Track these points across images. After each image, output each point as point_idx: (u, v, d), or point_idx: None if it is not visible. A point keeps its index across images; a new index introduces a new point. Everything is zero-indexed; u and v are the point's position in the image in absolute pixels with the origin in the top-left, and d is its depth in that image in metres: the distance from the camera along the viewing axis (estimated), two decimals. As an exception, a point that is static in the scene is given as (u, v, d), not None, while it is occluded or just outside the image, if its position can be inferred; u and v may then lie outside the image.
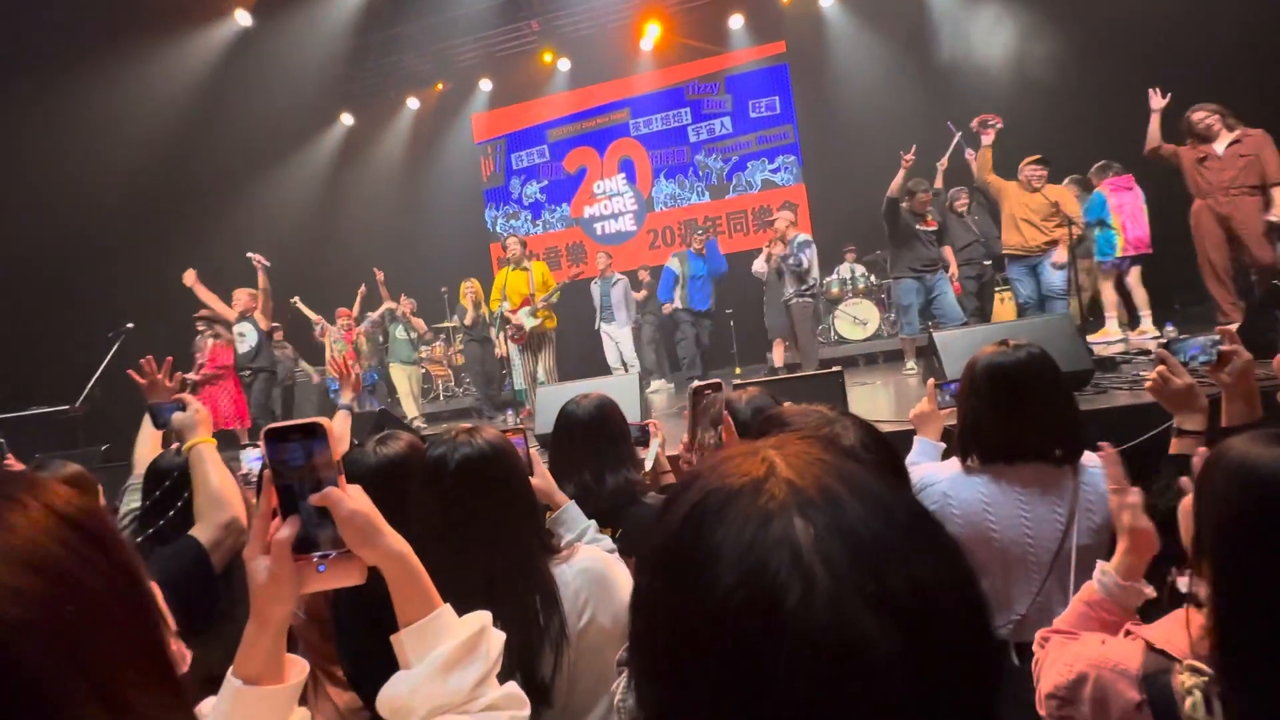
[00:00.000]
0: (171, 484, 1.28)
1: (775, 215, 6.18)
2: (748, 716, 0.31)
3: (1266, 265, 4.04)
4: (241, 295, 5.58)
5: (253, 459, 3.80)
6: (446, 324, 8.14)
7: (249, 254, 5.34)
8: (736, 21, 8.43)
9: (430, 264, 8.64)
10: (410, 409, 6.51)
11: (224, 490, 1.24)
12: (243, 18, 7.28)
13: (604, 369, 6.56)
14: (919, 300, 5.04)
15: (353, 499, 0.63)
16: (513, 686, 0.69)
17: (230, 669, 0.63)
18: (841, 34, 8.16)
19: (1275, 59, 5.53)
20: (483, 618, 0.69)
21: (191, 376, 5.32)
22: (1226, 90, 4.60)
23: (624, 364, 6.48)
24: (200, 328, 5.51)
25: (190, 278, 5.44)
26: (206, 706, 0.64)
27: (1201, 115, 4.21)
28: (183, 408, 1.32)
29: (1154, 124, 4.41)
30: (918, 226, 4.98)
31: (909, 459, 1.57)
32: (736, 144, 8.86)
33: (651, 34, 8.44)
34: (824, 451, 0.37)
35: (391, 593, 0.65)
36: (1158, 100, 4.42)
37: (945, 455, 1.55)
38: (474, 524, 1.00)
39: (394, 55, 8.65)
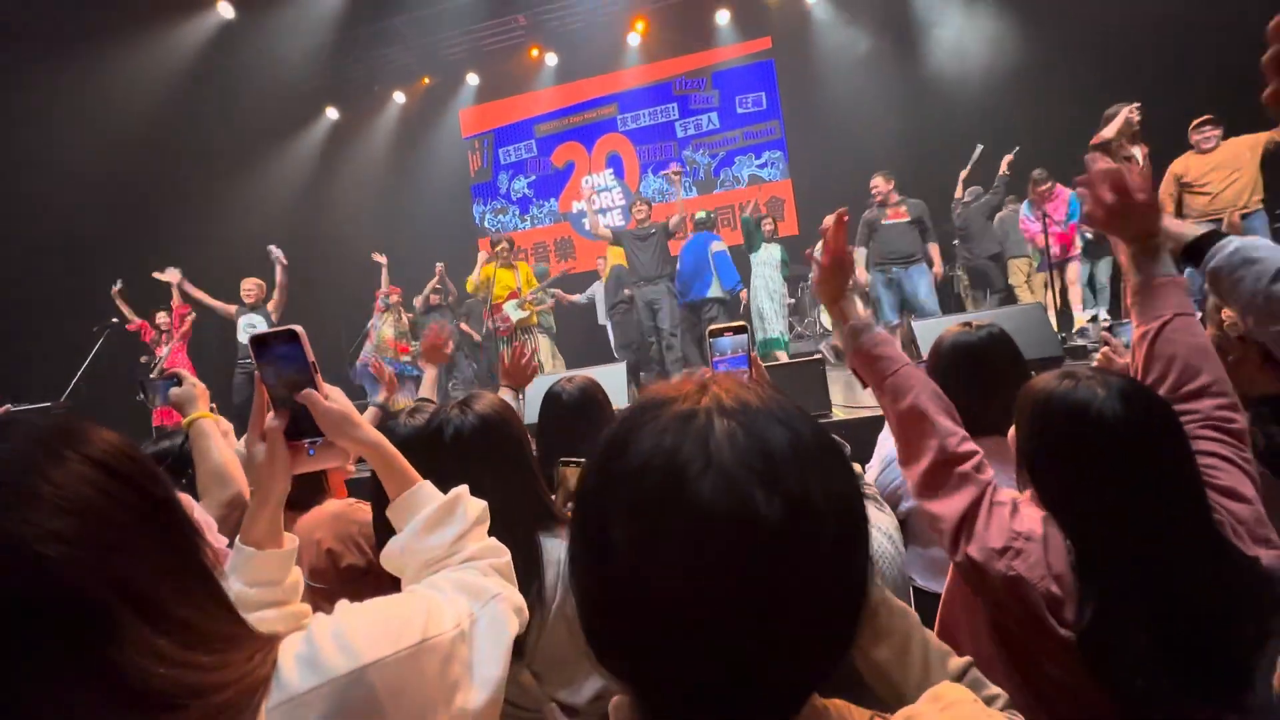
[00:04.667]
0: (172, 463, 1.32)
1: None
2: (655, 567, 0.38)
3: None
4: (250, 285, 5.50)
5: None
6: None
7: (270, 247, 5.31)
8: (723, 17, 8.49)
9: (417, 257, 8.61)
10: None
11: (227, 465, 1.26)
12: (225, 10, 7.22)
13: (607, 358, 6.51)
14: (886, 293, 5.15)
15: (328, 399, 0.74)
16: (492, 540, 0.79)
17: (237, 538, 0.76)
18: (826, 30, 8.24)
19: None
20: (460, 489, 0.80)
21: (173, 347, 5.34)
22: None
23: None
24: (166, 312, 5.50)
25: (174, 276, 5.42)
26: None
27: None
28: (179, 382, 1.33)
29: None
30: (883, 221, 5.11)
31: (881, 436, 1.64)
32: (723, 139, 8.91)
33: (639, 30, 8.47)
34: (754, 383, 0.44)
35: (378, 475, 0.78)
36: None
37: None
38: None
39: (380, 49, 8.60)
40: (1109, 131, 4.38)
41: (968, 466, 0.98)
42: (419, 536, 0.75)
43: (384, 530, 1.17)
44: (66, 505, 0.45)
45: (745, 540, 0.36)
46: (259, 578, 0.75)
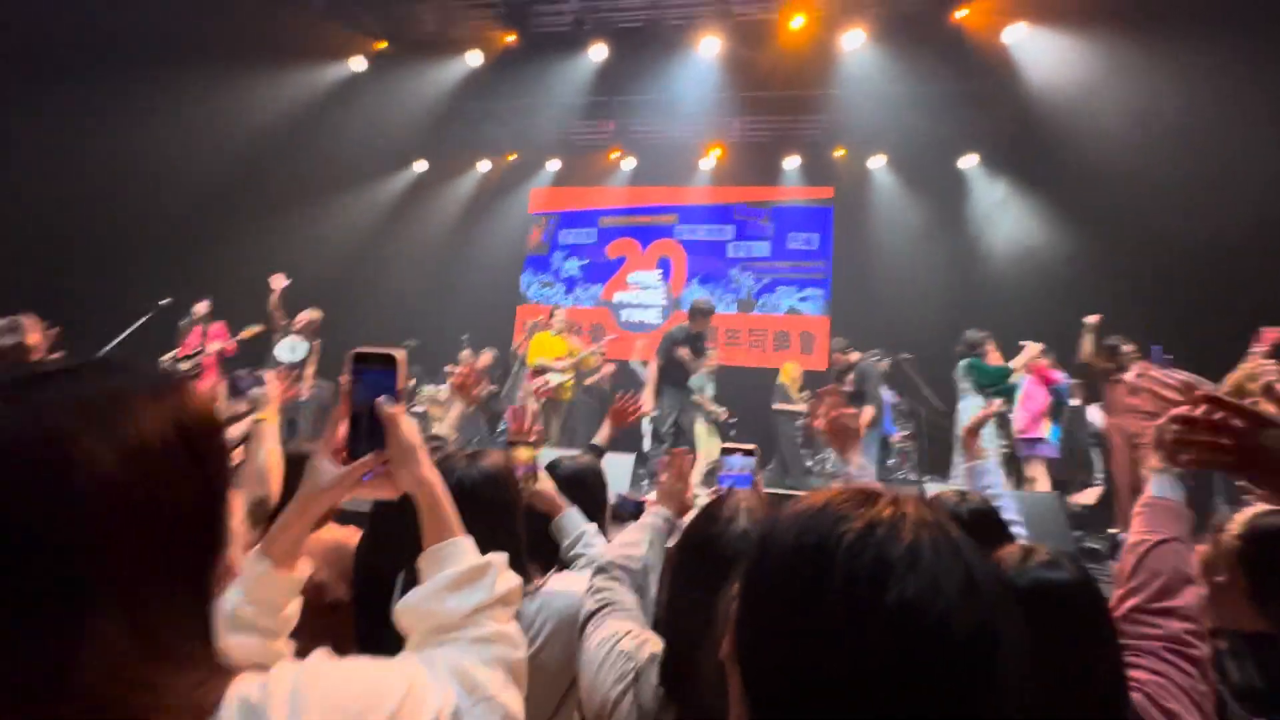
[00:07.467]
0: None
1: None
2: (856, 636, 0.41)
3: None
4: (305, 313, 5.97)
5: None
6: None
7: (279, 276, 5.80)
8: (792, 162, 9.17)
9: (457, 311, 8.98)
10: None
11: (270, 469, 1.32)
12: (357, 64, 8.14)
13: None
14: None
15: (408, 426, 0.72)
16: (513, 627, 0.71)
17: (258, 546, 0.72)
18: (884, 191, 8.82)
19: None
20: (498, 556, 0.73)
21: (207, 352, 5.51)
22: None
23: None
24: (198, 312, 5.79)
25: (280, 282, 5.91)
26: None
27: (1129, 349, 4.71)
28: (263, 383, 1.43)
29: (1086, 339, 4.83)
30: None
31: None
32: (771, 267, 9.34)
33: (714, 156, 9.20)
34: (935, 509, 0.49)
35: (420, 518, 0.73)
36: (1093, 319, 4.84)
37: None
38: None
39: (479, 122, 9.46)
40: (1084, 355, 4.62)
41: None
42: (439, 594, 0.68)
43: (363, 566, 1.17)
44: (130, 451, 0.43)
45: (937, 639, 0.41)
46: (262, 595, 0.71)
